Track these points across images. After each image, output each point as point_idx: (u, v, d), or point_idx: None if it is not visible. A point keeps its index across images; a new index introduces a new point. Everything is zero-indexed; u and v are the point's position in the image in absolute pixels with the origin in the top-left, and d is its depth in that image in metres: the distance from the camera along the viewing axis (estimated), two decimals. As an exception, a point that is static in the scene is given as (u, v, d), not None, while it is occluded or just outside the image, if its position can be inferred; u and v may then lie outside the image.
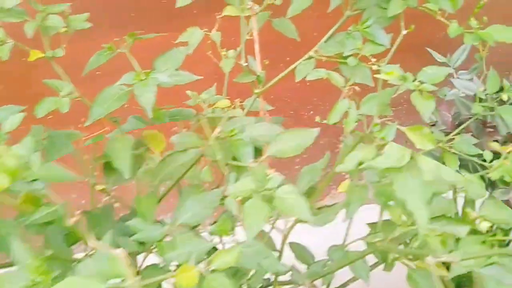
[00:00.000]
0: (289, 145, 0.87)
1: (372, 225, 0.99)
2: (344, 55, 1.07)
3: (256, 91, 1.14)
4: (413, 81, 0.86)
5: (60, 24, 1.06)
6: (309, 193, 1.00)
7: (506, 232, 1.20)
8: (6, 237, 0.87)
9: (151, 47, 1.50)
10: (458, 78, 1.51)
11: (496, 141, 1.40)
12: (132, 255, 1.00)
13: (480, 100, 1.31)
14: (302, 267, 1.12)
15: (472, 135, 1.36)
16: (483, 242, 0.82)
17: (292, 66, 1.11)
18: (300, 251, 1.08)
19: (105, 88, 0.98)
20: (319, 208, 0.96)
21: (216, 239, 0.95)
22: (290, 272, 1.08)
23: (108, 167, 1.04)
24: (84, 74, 1.01)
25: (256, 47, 1.17)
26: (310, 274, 1.09)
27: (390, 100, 0.91)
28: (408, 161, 0.69)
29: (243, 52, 1.16)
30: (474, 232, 0.88)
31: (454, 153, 1.25)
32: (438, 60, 1.58)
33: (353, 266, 1.01)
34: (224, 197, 0.93)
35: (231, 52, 1.16)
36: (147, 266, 0.97)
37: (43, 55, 1.06)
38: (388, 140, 0.80)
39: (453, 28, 1.02)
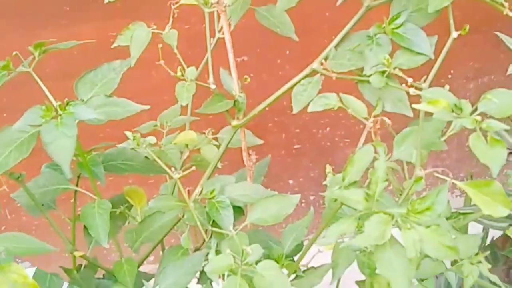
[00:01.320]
0: (269, 214, 0.83)
1: (360, 283, 0.96)
2: (366, 73, 0.74)
3: (234, 123, 0.86)
4: (472, 113, 0.61)
5: None
6: (296, 251, 0.97)
7: None
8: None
9: (86, 54, 1.10)
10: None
11: None
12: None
13: None
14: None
15: None
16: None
17: (285, 88, 0.80)
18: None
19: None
20: (304, 271, 0.92)
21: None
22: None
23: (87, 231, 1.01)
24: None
25: (231, 56, 0.84)
26: None
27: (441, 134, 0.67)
28: (389, 238, 0.65)
29: (210, 65, 0.83)
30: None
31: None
32: None
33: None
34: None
35: (190, 71, 0.82)
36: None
37: None
38: (437, 213, 0.64)
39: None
